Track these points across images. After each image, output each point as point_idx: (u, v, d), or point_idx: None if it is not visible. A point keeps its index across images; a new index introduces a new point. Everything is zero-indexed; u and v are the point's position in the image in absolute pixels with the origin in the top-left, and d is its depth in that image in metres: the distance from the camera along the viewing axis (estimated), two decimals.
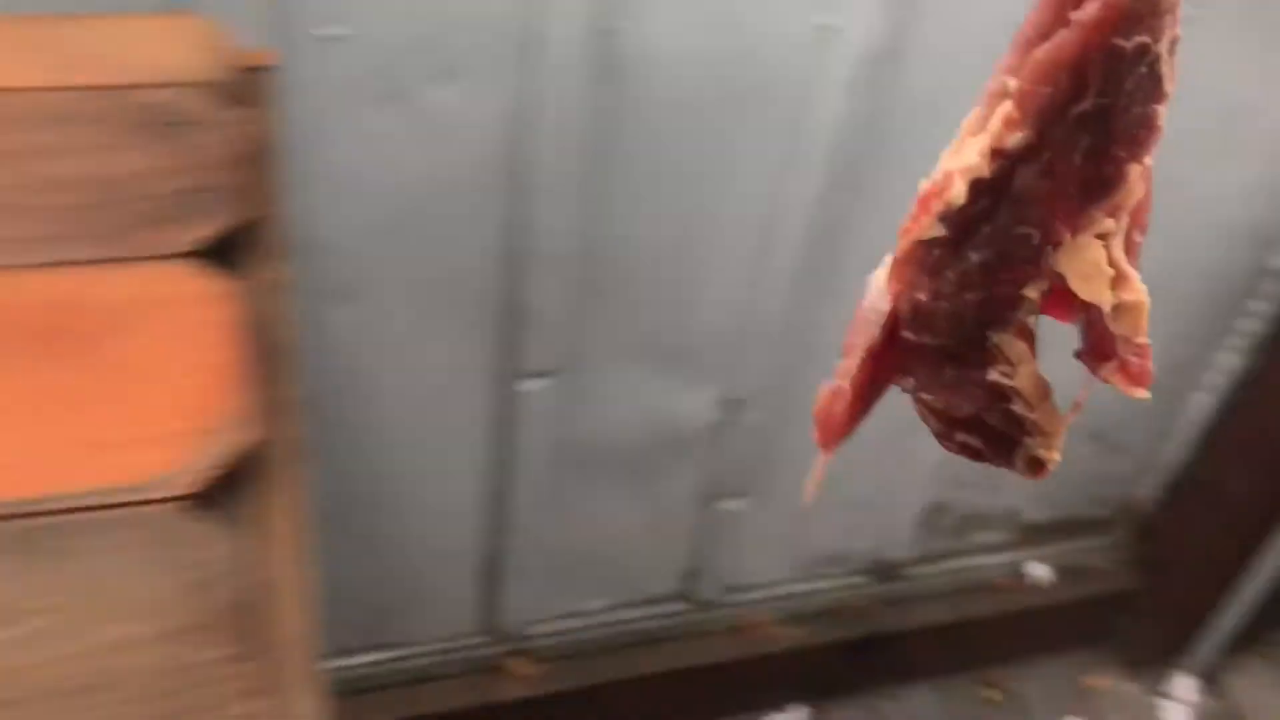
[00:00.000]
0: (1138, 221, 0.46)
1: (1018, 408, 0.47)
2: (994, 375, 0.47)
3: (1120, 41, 0.40)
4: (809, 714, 2.23)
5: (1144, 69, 0.41)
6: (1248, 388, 2.04)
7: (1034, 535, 2.28)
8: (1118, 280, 0.45)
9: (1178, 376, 2.07)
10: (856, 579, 2.18)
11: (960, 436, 0.50)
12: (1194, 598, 2.28)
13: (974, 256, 0.44)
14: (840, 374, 0.50)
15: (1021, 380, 0.47)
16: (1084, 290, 0.45)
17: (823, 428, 0.52)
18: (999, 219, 0.43)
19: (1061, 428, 0.49)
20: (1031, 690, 2.35)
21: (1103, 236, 0.44)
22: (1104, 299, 0.45)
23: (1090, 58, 0.40)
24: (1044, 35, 0.41)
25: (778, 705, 2.23)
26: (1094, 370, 0.48)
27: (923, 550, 2.19)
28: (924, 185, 0.44)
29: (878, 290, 0.48)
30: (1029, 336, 0.47)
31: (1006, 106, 0.42)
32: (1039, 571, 2.29)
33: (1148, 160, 0.43)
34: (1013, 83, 0.42)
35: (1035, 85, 0.41)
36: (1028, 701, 2.33)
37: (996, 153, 0.42)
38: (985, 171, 0.42)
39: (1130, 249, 0.45)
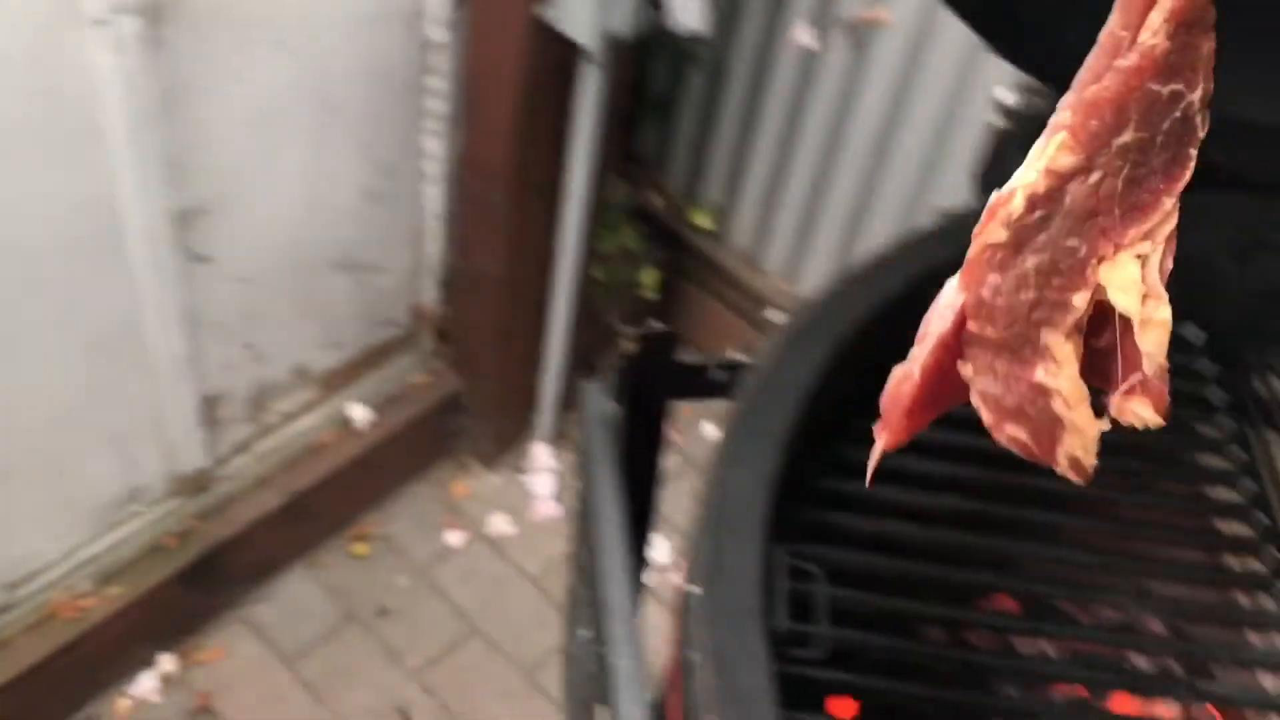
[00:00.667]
0: (1170, 249, 0.51)
1: (1057, 406, 0.52)
2: (1039, 374, 0.52)
3: (1156, 87, 0.48)
4: (175, 659, 2.03)
5: (1178, 113, 0.49)
6: (454, 167, 2.00)
7: (339, 381, 2.16)
8: (1149, 297, 0.50)
9: (398, 178, 1.98)
10: (164, 507, 1.96)
11: (1009, 429, 0.55)
12: (509, 377, 2.30)
13: (1030, 261, 0.51)
14: (911, 360, 0.57)
15: (1063, 382, 0.52)
16: (1120, 301, 0.50)
17: (888, 411, 0.59)
18: (1052, 230, 0.50)
19: (1097, 432, 0.53)
20: (400, 526, 2.30)
21: (1140, 257, 0.50)
22: (1134, 312, 0.50)
23: (1130, 99, 0.49)
24: (1096, 77, 0.49)
25: (142, 665, 2.01)
26: (1117, 407, 0.52)
27: (223, 447, 2.01)
28: (994, 195, 0.51)
29: (952, 288, 0.55)
30: (1077, 346, 0.52)
31: (1061, 134, 0.50)
32: (359, 413, 2.19)
33: (1179, 192, 0.49)
34: (1068, 115, 0.50)
35: (1085, 119, 0.49)
36: (400, 538, 2.28)
37: (1050, 173, 0.50)
38: (1041, 188, 0.50)
39: (1162, 273, 0.51)
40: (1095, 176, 0.50)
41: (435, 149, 1.99)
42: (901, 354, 1.08)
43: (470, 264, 2.10)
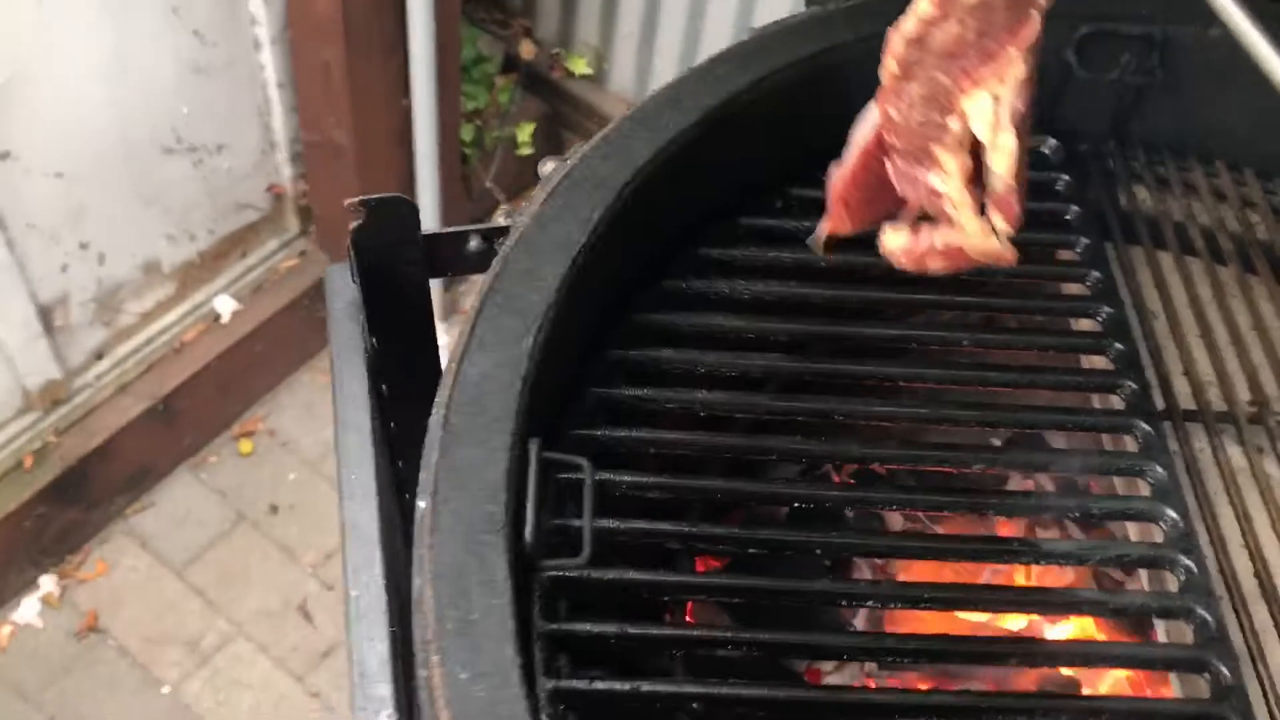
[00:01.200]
0: (1023, 97, 0.64)
1: (947, 206, 0.66)
2: (932, 179, 0.66)
3: None
4: (55, 580, 1.93)
5: None
6: (285, 29, 1.82)
7: (198, 274, 2.01)
8: (999, 129, 0.63)
9: (223, 46, 1.79)
10: (16, 425, 1.84)
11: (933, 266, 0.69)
12: None
13: (915, 89, 0.65)
14: (844, 158, 0.71)
15: (950, 187, 0.65)
16: (975, 127, 0.64)
17: (830, 202, 0.73)
18: (926, 65, 0.64)
19: (977, 228, 0.65)
20: (286, 419, 2.18)
21: (995, 97, 0.63)
22: (986, 137, 0.64)
23: None
24: None
25: (22, 590, 1.91)
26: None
27: (75, 355, 1.87)
28: (889, 32, 0.64)
29: (872, 106, 0.68)
30: (964, 162, 0.65)
31: None
32: (225, 305, 2.05)
33: (1025, 47, 0.62)
34: None
35: None
36: (287, 431, 2.16)
37: (918, 19, 0.63)
38: (913, 32, 0.63)
39: (1014, 115, 0.64)
40: (952, 25, 0.61)
41: (261, 12, 1.80)
42: (697, 196, 0.95)
43: (320, 135, 1.94)
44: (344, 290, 0.81)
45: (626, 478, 0.79)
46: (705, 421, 0.86)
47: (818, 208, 0.98)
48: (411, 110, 1.92)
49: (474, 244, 0.82)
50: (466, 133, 2.12)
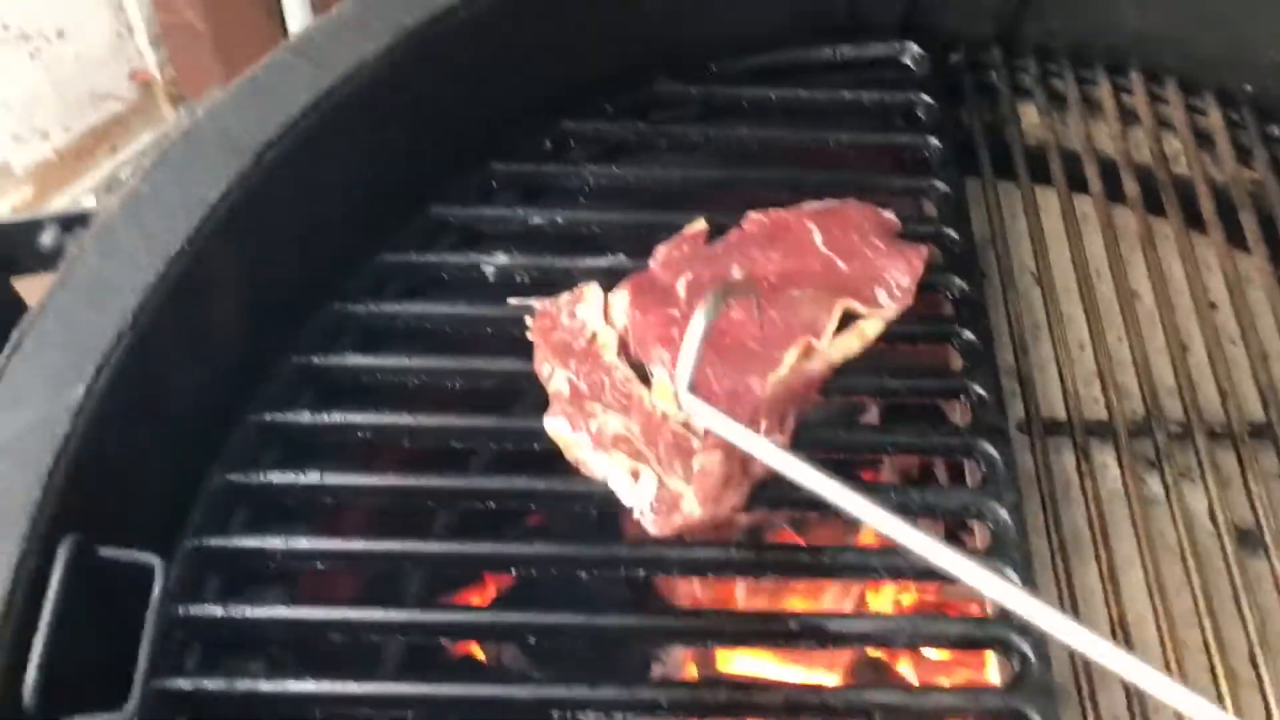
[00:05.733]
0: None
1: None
2: None
3: None
4: None
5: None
6: None
7: (60, 174, 1.81)
8: None
9: None
10: None
11: None
12: None
13: None
14: None
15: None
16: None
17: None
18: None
19: None
20: None
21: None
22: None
23: None
24: None
25: None
26: None
27: None
28: None
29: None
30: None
31: None
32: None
33: None
34: None
35: None
36: None
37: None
38: None
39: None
40: None
41: None
42: (410, 145, 0.73)
43: (175, 16, 1.70)
44: None
45: (277, 544, 0.60)
46: (423, 455, 0.66)
47: (599, 143, 0.77)
48: None
49: (49, 237, 0.61)
50: None
